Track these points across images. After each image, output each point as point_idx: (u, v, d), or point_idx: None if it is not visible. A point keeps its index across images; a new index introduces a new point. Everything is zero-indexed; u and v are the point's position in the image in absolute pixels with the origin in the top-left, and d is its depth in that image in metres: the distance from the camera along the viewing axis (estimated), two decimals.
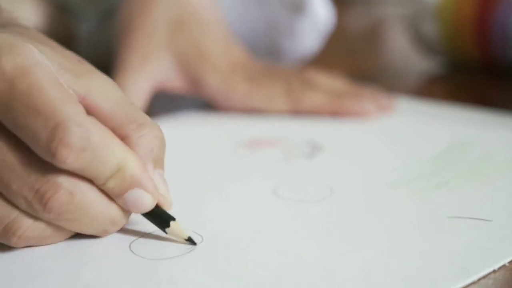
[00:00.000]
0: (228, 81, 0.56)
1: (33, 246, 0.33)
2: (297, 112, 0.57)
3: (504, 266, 0.32)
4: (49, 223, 0.32)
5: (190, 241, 0.34)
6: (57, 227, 0.33)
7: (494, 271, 0.31)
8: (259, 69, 0.58)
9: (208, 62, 0.56)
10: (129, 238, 0.34)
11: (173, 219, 0.34)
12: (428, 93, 0.64)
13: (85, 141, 0.31)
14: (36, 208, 0.31)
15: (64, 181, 0.32)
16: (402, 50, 0.80)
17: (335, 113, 0.56)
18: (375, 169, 0.44)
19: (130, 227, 0.35)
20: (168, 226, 0.34)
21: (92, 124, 0.31)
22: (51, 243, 0.33)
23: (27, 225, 0.32)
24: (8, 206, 0.32)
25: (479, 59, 0.72)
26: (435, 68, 0.74)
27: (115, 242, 0.34)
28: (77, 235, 0.34)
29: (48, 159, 0.31)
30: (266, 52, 0.68)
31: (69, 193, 0.32)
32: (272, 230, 0.35)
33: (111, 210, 0.33)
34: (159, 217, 0.34)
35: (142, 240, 0.34)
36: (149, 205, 0.33)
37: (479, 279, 0.31)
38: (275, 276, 0.31)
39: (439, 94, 0.64)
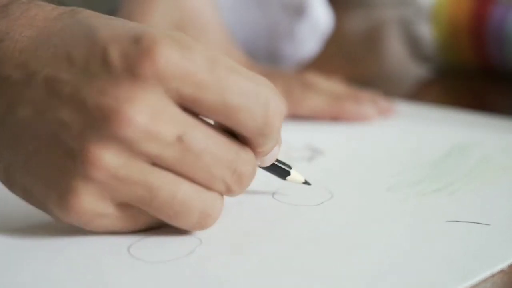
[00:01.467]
0: None
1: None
2: (297, 115, 0.57)
3: (502, 270, 0.32)
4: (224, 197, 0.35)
5: (306, 183, 0.39)
6: (223, 200, 0.35)
7: (492, 275, 0.32)
8: (259, 73, 0.58)
9: None
10: (128, 241, 0.34)
11: (291, 167, 0.39)
12: (424, 97, 0.64)
13: (285, 108, 0.34)
14: (233, 187, 0.34)
15: (248, 156, 0.34)
16: (400, 54, 0.80)
17: (335, 117, 0.56)
18: (375, 173, 0.44)
19: None
20: (289, 174, 0.39)
21: None
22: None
23: (218, 204, 0.34)
24: (205, 191, 0.33)
25: (474, 62, 0.72)
26: (429, 72, 0.75)
27: (113, 245, 0.34)
28: (76, 237, 0.34)
29: (260, 132, 0.33)
30: (266, 55, 0.68)
31: (253, 167, 0.34)
32: (272, 234, 0.35)
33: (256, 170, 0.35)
34: (279, 167, 0.38)
35: (140, 243, 0.34)
36: (277, 155, 0.37)
37: (478, 283, 0.31)
38: (274, 280, 0.31)
39: (435, 98, 0.64)
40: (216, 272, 0.32)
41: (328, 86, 0.59)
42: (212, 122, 0.33)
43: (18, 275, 0.31)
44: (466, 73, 0.72)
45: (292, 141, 0.51)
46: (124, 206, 0.33)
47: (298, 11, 0.67)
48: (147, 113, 0.31)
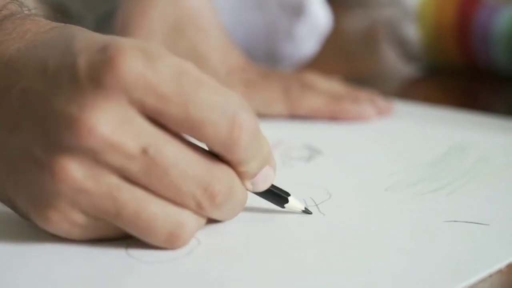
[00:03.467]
0: (225, 85, 0.56)
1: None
2: (296, 115, 0.57)
3: (500, 270, 0.32)
4: (203, 216, 0.33)
5: (306, 211, 0.37)
6: (204, 220, 0.33)
7: (491, 275, 0.32)
8: (257, 73, 0.59)
9: (205, 67, 0.56)
10: (126, 241, 0.34)
11: (289, 194, 0.37)
12: (412, 95, 0.64)
13: (255, 125, 0.32)
14: (205, 205, 0.32)
15: (223, 173, 0.32)
16: (392, 54, 0.80)
17: (334, 116, 0.56)
18: (374, 173, 0.44)
19: None
20: (287, 201, 0.37)
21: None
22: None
23: (192, 224, 0.32)
24: (175, 209, 0.32)
25: (460, 62, 0.72)
26: (417, 71, 0.75)
27: (111, 245, 0.34)
28: (72, 240, 0.34)
29: (226, 147, 0.32)
30: (265, 55, 0.68)
31: (228, 185, 0.32)
32: (270, 235, 0.35)
33: (245, 192, 0.34)
34: (277, 193, 0.36)
35: (139, 243, 0.34)
36: (273, 179, 0.35)
37: (476, 283, 0.31)
38: (273, 280, 0.31)
39: (423, 97, 0.64)
40: (214, 273, 0.32)
41: (327, 85, 0.59)
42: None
43: (16, 276, 0.31)
44: (452, 73, 0.72)
45: (290, 140, 0.51)
46: (94, 215, 0.32)
47: (297, 11, 0.67)
48: (110, 123, 0.30)
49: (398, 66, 0.77)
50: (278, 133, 0.53)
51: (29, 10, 0.36)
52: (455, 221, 0.37)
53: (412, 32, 0.73)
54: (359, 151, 0.50)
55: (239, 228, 0.36)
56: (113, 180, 0.31)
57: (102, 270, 0.32)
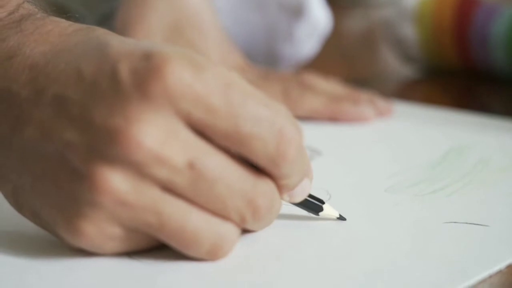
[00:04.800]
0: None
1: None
2: (295, 116, 0.56)
3: (500, 270, 0.32)
4: (241, 227, 0.33)
5: (341, 218, 0.37)
6: (240, 230, 0.33)
7: (490, 276, 0.32)
8: (256, 73, 0.59)
9: None
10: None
11: (323, 202, 0.36)
12: (411, 97, 0.64)
13: (301, 138, 0.32)
14: (248, 218, 0.32)
15: (266, 187, 0.32)
16: (389, 55, 0.80)
17: (333, 117, 0.56)
18: (373, 174, 0.44)
19: None
20: (322, 209, 0.36)
21: None
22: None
23: (231, 235, 0.32)
24: (218, 221, 0.31)
25: (458, 63, 0.72)
26: (415, 73, 0.75)
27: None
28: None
29: (273, 163, 0.31)
30: (264, 56, 0.68)
31: (270, 199, 0.32)
32: (269, 235, 0.35)
33: (281, 203, 0.34)
34: (313, 202, 0.36)
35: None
36: (309, 190, 0.35)
37: (476, 284, 0.31)
38: (273, 280, 0.31)
39: (420, 98, 0.64)
40: (215, 275, 0.32)
41: (327, 86, 0.59)
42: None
43: (22, 276, 0.31)
44: (451, 73, 0.72)
45: None
46: (133, 228, 0.31)
47: (297, 12, 0.67)
48: (157, 136, 0.29)
49: (397, 67, 0.77)
50: None
51: (46, 10, 0.35)
52: (455, 222, 0.37)
53: (410, 32, 0.73)
54: (358, 152, 0.50)
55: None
56: (157, 193, 0.30)
57: (103, 273, 0.32)
